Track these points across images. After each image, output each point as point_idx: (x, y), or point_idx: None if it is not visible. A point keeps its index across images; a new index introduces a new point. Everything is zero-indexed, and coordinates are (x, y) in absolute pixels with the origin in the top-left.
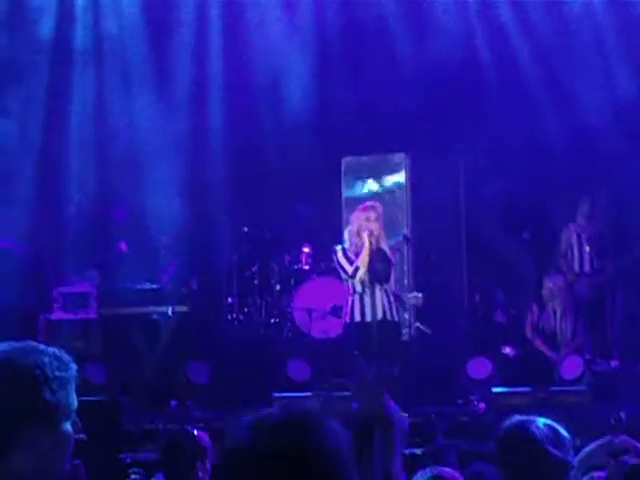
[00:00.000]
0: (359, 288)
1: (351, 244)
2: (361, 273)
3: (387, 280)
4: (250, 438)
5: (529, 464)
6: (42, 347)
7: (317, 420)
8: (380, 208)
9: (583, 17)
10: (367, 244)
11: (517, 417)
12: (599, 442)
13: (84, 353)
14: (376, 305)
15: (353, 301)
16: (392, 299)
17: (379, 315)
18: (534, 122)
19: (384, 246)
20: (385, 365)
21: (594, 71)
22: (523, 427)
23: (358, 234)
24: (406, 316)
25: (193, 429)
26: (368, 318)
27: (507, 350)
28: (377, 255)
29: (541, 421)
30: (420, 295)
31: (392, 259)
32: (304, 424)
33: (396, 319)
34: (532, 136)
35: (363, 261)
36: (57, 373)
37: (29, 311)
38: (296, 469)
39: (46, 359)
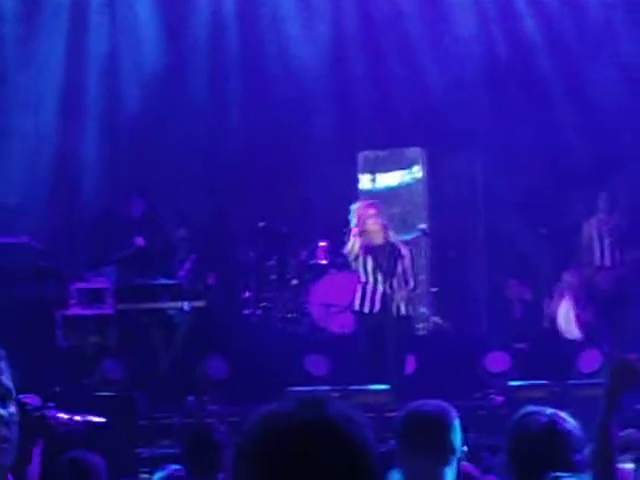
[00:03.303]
0: (363, 278)
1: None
2: (353, 252)
3: (392, 275)
4: (284, 440)
5: (527, 458)
6: None
7: (338, 403)
8: (378, 204)
9: (600, 10)
10: (356, 240)
11: (526, 409)
12: None
13: (101, 348)
14: (375, 297)
15: (358, 290)
16: (396, 293)
17: (377, 308)
18: (551, 116)
19: (393, 239)
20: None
21: (611, 64)
22: (525, 419)
23: (363, 232)
24: (423, 310)
25: (219, 424)
26: (366, 309)
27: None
28: (384, 249)
29: (547, 412)
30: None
31: (403, 252)
32: (326, 405)
33: (402, 313)
34: (549, 130)
35: (353, 250)
36: None
37: (46, 307)
38: (321, 448)
39: None
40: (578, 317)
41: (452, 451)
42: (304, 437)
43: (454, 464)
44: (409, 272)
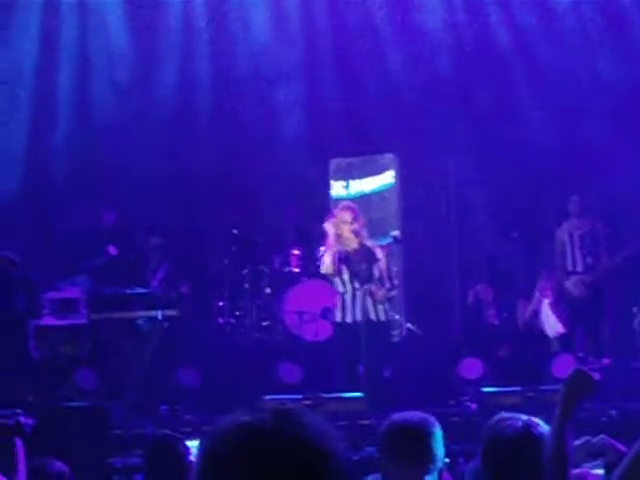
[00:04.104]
0: (341, 288)
1: (334, 246)
2: (329, 271)
3: (369, 280)
4: (240, 437)
5: (502, 462)
6: None
7: (308, 414)
8: (356, 207)
9: (571, 14)
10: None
11: (501, 415)
12: (577, 442)
13: (74, 358)
14: (356, 306)
15: (337, 301)
16: (375, 295)
17: (359, 315)
18: (523, 122)
19: (368, 243)
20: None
21: (583, 70)
22: (500, 424)
23: (339, 237)
24: (397, 317)
25: (181, 435)
26: (348, 319)
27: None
28: (359, 254)
29: (522, 418)
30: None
31: (378, 255)
32: (297, 418)
33: (382, 319)
34: (521, 136)
35: (329, 267)
36: None
37: (19, 317)
38: (294, 464)
39: None
40: (559, 318)
41: (434, 461)
42: (277, 452)
43: (435, 473)
44: (385, 275)
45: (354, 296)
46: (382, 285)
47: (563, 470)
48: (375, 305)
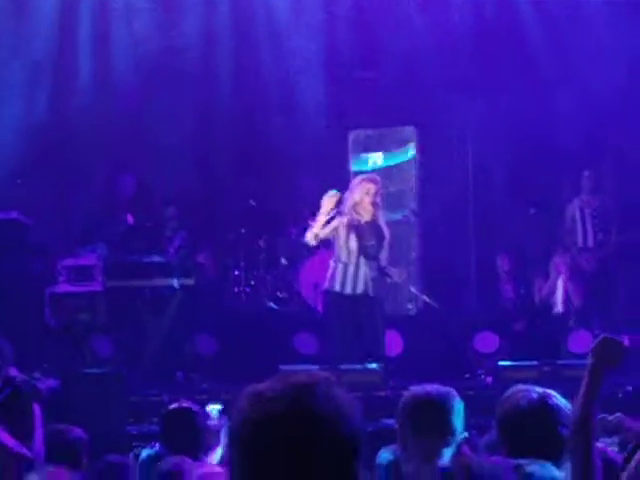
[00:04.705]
0: (344, 258)
1: (349, 213)
2: (311, 242)
3: (375, 257)
4: (256, 408)
5: (517, 433)
6: None
7: (324, 386)
8: (379, 180)
9: None
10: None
11: (516, 387)
12: None
13: (90, 326)
14: (358, 278)
15: (335, 269)
16: (376, 275)
17: (359, 289)
18: (542, 95)
19: (380, 221)
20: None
21: (602, 43)
22: (515, 395)
23: (357, 206)
24: (413, 289)
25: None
26: (348, 290)
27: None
28: (370, 229)
29: (537, 390)
30: (404, 273)
31: (386, 235)
32: (310, 390)
33: (378, 295)
34: (540, 110)
35: (309, 237)
36: None
37: (35, 284)
38: (304, 435)
39: None
40: (566, 294)
41: (453, 433)
42: (289, 426)
43: (453, 446)
44: (386, 255)
45: (357, 269)
46: (384, 268)
47: (588, 444)
48: (373, 281)
